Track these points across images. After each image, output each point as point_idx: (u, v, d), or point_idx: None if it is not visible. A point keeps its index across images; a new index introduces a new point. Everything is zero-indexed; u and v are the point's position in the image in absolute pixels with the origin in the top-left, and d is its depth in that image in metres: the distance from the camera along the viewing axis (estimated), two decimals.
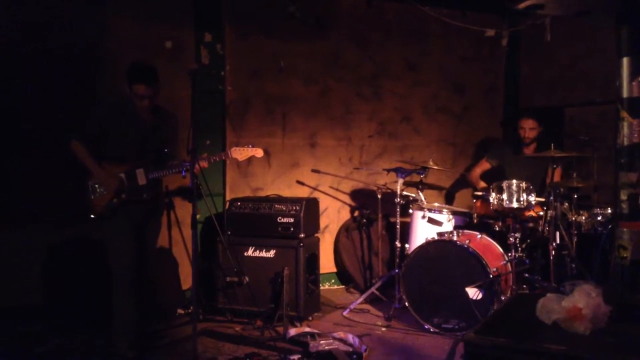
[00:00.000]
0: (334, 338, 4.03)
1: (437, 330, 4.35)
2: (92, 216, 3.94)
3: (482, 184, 5.50)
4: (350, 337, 4.06)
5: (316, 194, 5.71)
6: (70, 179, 4.08)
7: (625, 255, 2.52)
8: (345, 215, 5.97)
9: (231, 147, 4.32)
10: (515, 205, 4.51)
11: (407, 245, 4.98)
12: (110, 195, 3.90)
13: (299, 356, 3.80)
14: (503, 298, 4.25)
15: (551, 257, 4.46)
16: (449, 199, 6.32)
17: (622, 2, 2.48)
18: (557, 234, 4.56)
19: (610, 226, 4.55)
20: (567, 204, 4.80)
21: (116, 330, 3.92)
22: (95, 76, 4.73)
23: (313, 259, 4.82)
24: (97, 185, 3.91)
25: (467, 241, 4.41)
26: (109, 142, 3.96)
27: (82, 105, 4.43)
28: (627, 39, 2.52)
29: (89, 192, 3.92)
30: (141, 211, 4.02)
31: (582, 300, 2.36)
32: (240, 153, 4.19)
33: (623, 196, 2.56)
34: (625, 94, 2.54)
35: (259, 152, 4.26)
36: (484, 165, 5.63)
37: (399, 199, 4.99)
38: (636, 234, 2.52)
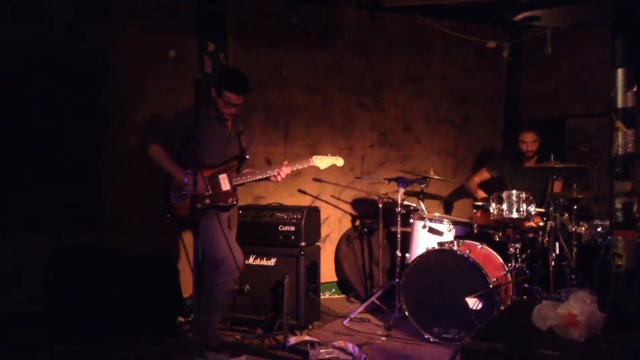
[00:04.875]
0: (334, 347, 4.04)
1: (437, 340, 4.35)
2: (171, 220, 3.87)
3: (481, 194, 5.53)
4: (350, 346, 4.07)
5: (317, 203, 5.74)
6: (76, 187, 4.10)
7: (620, 264, 2.56)
8: (347, 224, 6.00)
9: None
10: (515, 215, 4.54)
11: (407, 255, 5.00)
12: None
13: None
14: (503, 308, 4.25)
15: (551, 268, 4.48)
16: (449, 209, 6.34)
17: (616, 15, 2.53)
18: (557, 244, 4.58)
19: (609, 237, 4.55)
20: (567, 214, 4.81)
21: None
22: (100, 85, 4.79)
23: (314, 268, 4.83)
24: (180, 190, 3.78)
25: (468, 251, 4.42)
26: (189, 148, 3.81)
27: (86, 114, 4.48)
28: (621, 50, 2.58)
29: (171, 196, 3.82)
30: (223, 219, 3.88)
31: (577, 307, 2.39)
32: (322, 161, 4.14)
33: (618, 205, 2.60)
34: (620, 105, 2.60)
35: (339, 161, 4.20)
36: (484, 175, 5.66)
37: (399, 209, 5.01)
38: (630, 243, 2.56)
